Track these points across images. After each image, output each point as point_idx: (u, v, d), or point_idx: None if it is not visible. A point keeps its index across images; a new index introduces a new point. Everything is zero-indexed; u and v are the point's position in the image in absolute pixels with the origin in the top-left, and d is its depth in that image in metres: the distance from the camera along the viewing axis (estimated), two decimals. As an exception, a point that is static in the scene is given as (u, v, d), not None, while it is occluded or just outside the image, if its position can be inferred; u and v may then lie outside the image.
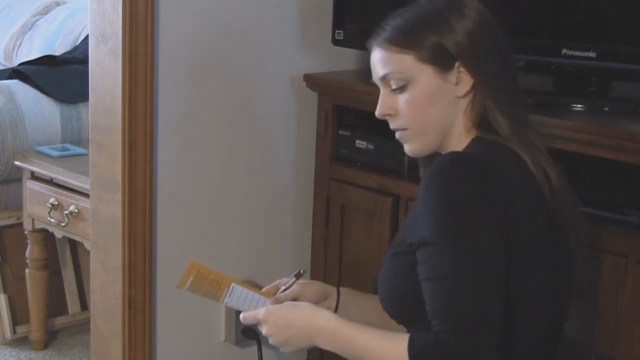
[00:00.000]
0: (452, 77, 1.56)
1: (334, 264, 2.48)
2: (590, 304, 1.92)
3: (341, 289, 1.80)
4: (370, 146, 2.35)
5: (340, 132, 2.43)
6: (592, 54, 2.00)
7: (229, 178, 2.40)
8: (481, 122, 1.57)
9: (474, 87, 1.56)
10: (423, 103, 1.57)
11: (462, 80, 1.56)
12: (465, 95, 1.57)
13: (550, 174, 1.56)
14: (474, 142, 1.58)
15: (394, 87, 1.58)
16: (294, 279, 1.75)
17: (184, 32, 2.23)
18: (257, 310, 1.65)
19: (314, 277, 2.55)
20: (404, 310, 1.59)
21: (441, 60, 1.55)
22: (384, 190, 2.31)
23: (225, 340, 2.47)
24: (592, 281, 1.91)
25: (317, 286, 1.78)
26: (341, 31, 2.40)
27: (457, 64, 1.55)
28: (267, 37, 2.40)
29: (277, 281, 1.78)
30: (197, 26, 2.25)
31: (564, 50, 2.04)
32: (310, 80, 2.45)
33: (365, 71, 2.63)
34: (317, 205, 2.50)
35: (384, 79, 1.60)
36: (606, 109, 2.05)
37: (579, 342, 1.75)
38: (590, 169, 2.03)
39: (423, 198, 1.50)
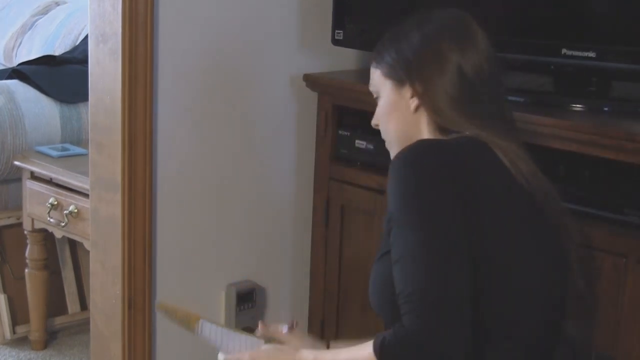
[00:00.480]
0: (407, 92, 1.65)
1: (334, 264, 2.48)
2: (590, 304, 1.92)
3: (331, 343, 1.81)
4: (370, 146, 2.35)
5: (340, 132, 2.43)
6: (592, 54, 2.00)
7: (229, 178, 2.40)
8: (442, 131, 1.64)
9: (422, 103, 1.64)
10: (385, 115, 1.70)
11: (415, 96, 1.64)
12: (417, 110, 1.65)
13: (524, 171, 1.60)
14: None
15: (374, 97, 1.73)
16: (287, 328, 1.76)
17: (184, 32, 2.23)
18: (242, 354, 1.68)
19: (313, 277, 2.56)
20: (394, 313, 1.59)
21: (397, 77, 1.66)
22: (384, 190, 2.30)
23: (225, 340, 2.47)
24: (592, 281, 1.91)
25: (305, 341, 1.79)
26: (341, 31, 2.40)
27: (411, 81, 1.64)
28: (267, 37, 2.40)
29: (271, 326, 1.79)
30: (197, 26, 2.25)
31: (564, 50, 2.04)
32: (310, 80, 2.45)
33: (365, 71, 2.63)
34: (317, 205, 2.50)
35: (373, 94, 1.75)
36: (606, 109, 2.05)
37: (579, 342, 1.75)
38: (590, 169, 2.04)
39: (388, 186, 1.56)
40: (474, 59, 1.64)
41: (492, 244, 1.52)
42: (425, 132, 1.65)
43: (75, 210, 2.69)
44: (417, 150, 1.56)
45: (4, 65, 3.88)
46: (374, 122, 1.75)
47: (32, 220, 2.87)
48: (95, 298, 2.34)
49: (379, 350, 1.46)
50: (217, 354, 1.73)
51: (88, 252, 2.45)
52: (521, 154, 1.63)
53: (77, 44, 3.57)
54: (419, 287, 1.45)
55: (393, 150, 1.69)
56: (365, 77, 2.53)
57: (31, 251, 2.91)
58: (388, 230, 1.54)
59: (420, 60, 1.63)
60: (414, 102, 1.64)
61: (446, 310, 1.43)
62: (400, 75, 1.65)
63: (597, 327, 1.92)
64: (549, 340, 1.60)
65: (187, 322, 1.75)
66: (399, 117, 1.67)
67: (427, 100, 1.63)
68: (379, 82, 1.70)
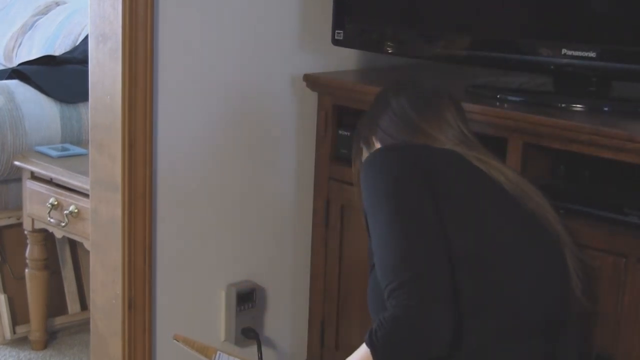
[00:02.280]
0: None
1: (334, 264, 2.48)
2: (590, 304, 1.92)
3: None
4: (370, 146, 2.35)
5: (340, 132, 2.43)
6: (592, 54, 1.99)
7: (229, 178, 2.40)
8: None
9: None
10: None
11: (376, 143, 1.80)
12: None
13: (509, 176, 1.64)
14: None
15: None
16: None
17: (184, 32, 2.23)
18: None
19: (313, 277, 2.55)
20: None
21: (364, 141, 1.84)
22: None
23: (225, 340, 2.47)
24: (592, 281, 1.91)
25: None
26: (341, 31, 2.40)
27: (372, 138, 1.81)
28: (267, 37, 2.40)
29: None
30: (197, 26, 2.25)
31: (564, 50, 2.04)
32: (310, 80, 2.45)
33: (365, 71, 2.63)
34: (317, 205, 2.50)
35: None
36: (606, 109, 2.05)
37: (580, 341, 1.75)
38: (590, 169, 2.03)
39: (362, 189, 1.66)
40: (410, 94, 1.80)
41: (473, 239, 1.54)
42: None
43: (75, 211, 2.69)
44: (378, 151, 1.70)
45: (4, 65, 3.88)
46: None
47: (32, 220, 2.87)
48: (95, 298, 2.34)
49: (369, 342, 1.48)
50: None
51: (88, 252, 2.45)
52: (501, 163, 1.69)
53: (77, 44, 3.57)
54: (392, 270, 1.50)
55: None
56: (365, 77, 2.54)
57: (31, 251, 2.91)
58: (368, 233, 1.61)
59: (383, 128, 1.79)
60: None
61: (424, 283, 1.46)
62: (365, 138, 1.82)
63: (597, 327, 1.92)
64: (549, 340, 1.61)
65: (205, 352, 1.78)
66: None
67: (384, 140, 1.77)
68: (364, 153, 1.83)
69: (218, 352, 1.77)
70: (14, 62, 3.78)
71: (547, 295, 1.62)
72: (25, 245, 2.93)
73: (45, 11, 3.95)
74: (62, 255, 3.11)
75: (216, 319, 2.46)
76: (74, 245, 3.11)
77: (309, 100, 2.49)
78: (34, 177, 2.86)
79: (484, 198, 1.62)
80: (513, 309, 1.56)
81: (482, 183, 1.64)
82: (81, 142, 3.07)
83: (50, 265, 2.98)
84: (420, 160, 1.64)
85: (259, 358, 2.46)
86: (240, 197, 2.44)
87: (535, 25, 2.15)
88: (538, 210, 1.65)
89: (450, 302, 1.46)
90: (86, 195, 2.46)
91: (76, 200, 2.69)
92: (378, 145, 1.79)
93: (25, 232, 2.91)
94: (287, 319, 2.62)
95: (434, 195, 1.57)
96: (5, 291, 3.00)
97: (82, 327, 3.06)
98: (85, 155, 2.53)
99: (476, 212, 1.59)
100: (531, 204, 1.65)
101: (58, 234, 2.81)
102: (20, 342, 3.02)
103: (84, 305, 3.12)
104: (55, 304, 3.06)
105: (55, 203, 2.75)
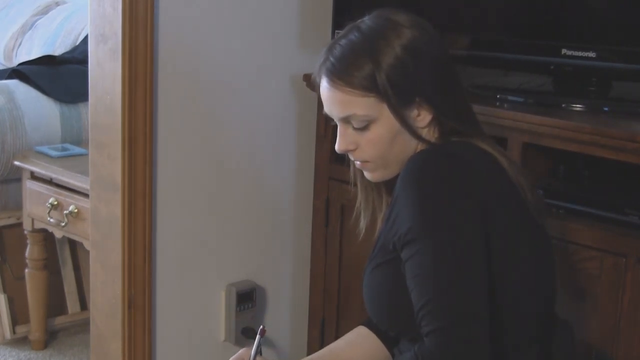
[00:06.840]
0: (414, 110, 1.56)
1: (334, 264, 2.48)
2: (591, 304, 1.92)
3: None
4: (370, 146, 2.35)
5: (340, 132, 2.43)
6: (592, 54, 2.00)
7: (229, 178, 2.40)
8: (442, 136, 1.59)
9: (435, 116, 1.57)
10: (386, 139, 1.56)
11: (422, 112, 1.56)
12: (427, 125, 1.58)
13: (524, 185, 1.58)
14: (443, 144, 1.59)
15: (356, 126, 1.57)
16: (259, 336, 1.65)
17: (184, 32, 2.23)
18: None
19: (313, 277, 2.55)
20: (398, 320, 1.59)
21: (403, 98, 1.54)
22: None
23: (225, 340, 2.47)
24: (592, 281, 1.91)
25: None
26: (341, 31, 2.40)
27: (417, 98, 1.54)
28: (267, 37, 2.40)
29: (242, 350, 1.68)
30: (197, 26, 2.25)
31: (564, 50, 2.04)
32: (310, 80, 2.44)
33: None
34: (317, 205, 2.50)
35: (346, 120, 1.57)
36: (606, 109, 2.05)
37: (571, 326, 1.75)
38: (590, 169, 2.04)
39: (401, 199, 1.50)
40: (442, 50, 1.60)
41: (501, 254, 1.51)
42: (422, 144, 1.59)
43: (75, 210, 2.69)
44: (434, 165, 1.50)
45: (4, 65, 3.88)
46: (347, 147, 1.59)
47: (32, 220, 2.87)
48: (95, 298, 2.34)
49: None
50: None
51: (88, 252, 2.45)
52: (518, 164, 1.62)
53: (77, 44, 3.57)
54: (442, 303, 1.42)
55: (380, 171, 1.61)
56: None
57: (31, 251, 2.92)
58: (402, 245, 1.48)
59: (421, 74, 1.54)
60: (425, 118, 1.56)
61: (470, 328, 1.42)
62: (408, 96, 1.54)
63: (597, 327, 1.93)
64: (549, 330, 1.61)
65: None
66: (402, 138, 1.56)
67: (441, 112, 1.56)
68: (375, 108, 1.54)
69: None
70: (14, 62, 3.78)
71: (548, 295, 1.62)
72: (25, 245, 2.93)
73: (45, 11, 3.95)
74: (61, 255, 3.11)
75: (216, 319, 2.46)
76: (73, 245, 3.11)
77: (309, 100, 2.49)
78: (34, 177, 2.86)
79: (511, 217, 1.53)
80: (519, 317, 1.55)
81: (510, 198, 1.54)
82: (81, 142, 3.07)
83: (50, 265, 2.99)
84: (469, 179, 1.50)
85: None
86: (240, 197, 2.44)
87: (535, 25, 2.15)
88: (540, 219, 1.62)
89: (488, 346, 1.43)
90: (86, 195, 2.47)
91: (76, 200, 2.69)
92: (427, 114, 1.55)
93: (25, 232, 2.91)
94: (287, 319, 2.62)
95: (481, 219, 1.47)
96: (5, 291, 3.00)
97: (82, 327, 3.06)
98: (85, 155, 2.53)
99: (505, 234, 1.51)
100: (536, 214, 1.60)
101: (58, 234, 2.81)
102: (20, 342, 3.02)
103: (84, 305, 3.12)
104: (55, 304, 3.06)
105: (55, 203, 2.75)
